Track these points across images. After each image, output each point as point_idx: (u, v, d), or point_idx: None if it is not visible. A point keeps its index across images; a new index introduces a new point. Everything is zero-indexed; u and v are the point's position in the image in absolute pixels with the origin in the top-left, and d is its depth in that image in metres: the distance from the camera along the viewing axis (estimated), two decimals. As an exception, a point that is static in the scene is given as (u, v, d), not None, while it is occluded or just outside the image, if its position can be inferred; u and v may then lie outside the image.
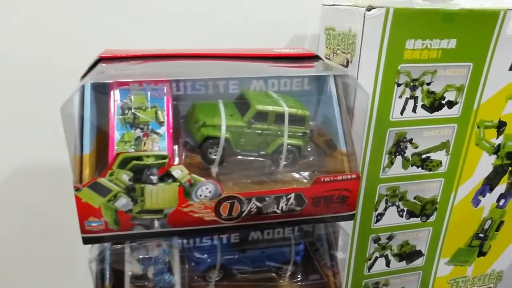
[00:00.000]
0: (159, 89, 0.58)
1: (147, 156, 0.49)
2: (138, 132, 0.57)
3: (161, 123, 0.57)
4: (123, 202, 0.50)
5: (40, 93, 0.72)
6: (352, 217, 0.59)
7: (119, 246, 0.56)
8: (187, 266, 0.63)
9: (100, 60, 0.56)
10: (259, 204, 0.53)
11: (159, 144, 0.55)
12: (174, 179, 0.50)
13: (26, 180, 0.78)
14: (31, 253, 0.84)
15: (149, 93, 0.57)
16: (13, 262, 0.84)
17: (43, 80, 0.72)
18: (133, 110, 0.57)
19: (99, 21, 0.70)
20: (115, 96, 0.56)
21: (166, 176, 0.50)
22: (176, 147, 0.57)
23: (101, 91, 0.55)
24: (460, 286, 0.83)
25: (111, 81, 0.51)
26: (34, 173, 0.77)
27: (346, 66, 0.62)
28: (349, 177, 0.55)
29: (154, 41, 0.68)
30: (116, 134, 0.55)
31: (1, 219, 0.80)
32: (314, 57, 0.60)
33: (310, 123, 0.59)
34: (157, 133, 0.57)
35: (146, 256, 0.64)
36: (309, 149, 0.61)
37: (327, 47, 0.69)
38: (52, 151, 0.72)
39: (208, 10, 0.72)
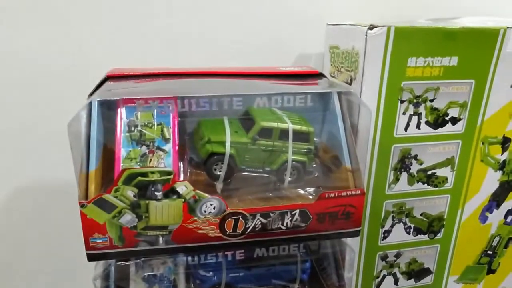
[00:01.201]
0: (165, 107, 0.59)
1: (152, 172, 0.50)
2: (144, 149, 0.57)
3: (167, 140, 0.58)
4: (127, 218, 0.50)
5: (47, 112, 0.74)
6: (357, 234, 0.58)
7: (124, 263, 0.56)
8: (192, 284, 0.62)
9: (107, 78, 0.57)
10: (263, 220, 0.53)
11: (164, 161, 0.56)
12: (179, 195, 0.50)
13: (30, 197, 0.78)
14: (34, 271, 0.84)
15: (155, 110, 0.58)
16: (15, 278, 0.84)
17: (50, 99, 0.73)
18: (139, 128, 0.58)
19: (105, 40, 0.72)
20: (122, 114, 0.57)
21: (170, 192, 0.50)
22: (181, 164, 0.57)
23: (108, 108, 0.56)
24: (470, 306, 0.82)
25: (118, 98, 0.52)
26: (38, 190, 0.78)
27: (350, 83, 0.63)
28: (353, 193, 0.55)
29: (160, 61, 0.70)
30: (122, 151, 0.56)
31: (5, 236, 0.81)
32: (319, 75, 0.61)
33: (315, 139, 0.60)
34: (163, 150, 0.57)
35: (151, 274, 0.64)
36: (314, 165, 0.61)
37: (331, 65, 0.70)
38: (59, 170, 0.73)
39: (212, 29, 0.74)
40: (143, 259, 0.57)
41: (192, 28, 0.73)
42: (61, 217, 0.79)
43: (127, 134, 0.57)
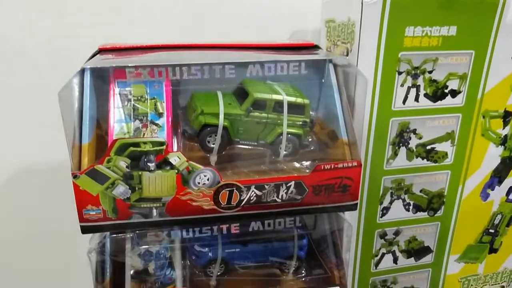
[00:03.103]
0: (159, 81, 0.59)
1: (144, 143, 0.49)
2: (137, 123, 0.57)
3: (160, 115, 0.57)
4: (121, 190, 0.49)
5: (38, 93, 0.73)
6: (355, 207, 0.58)
7: (119, 235, 0.56)
8: (188, 261, 0.62)
9: (98, 52, 0.56)
10: (258, 193, 0.52)
11: (158, 135, 0.55)
12: (172, 167, 0.50)
13: (25, 178, 0.78)
14: (31, 251, 0.84)
15: (148, 84, 0.58)
16: (13, 259, 0.84)
17: (42, 79, 0.73)
18: (132, 102, 0.57)
19: (96, 20, 0.71)
20: (115, 88, 0.56)
21: (163, 163, 0.49)
22: (175, 138, 0.57)
23: (101, 82, 0.55)
24: (472, 285, 0.81)
25: (109, 66, 0.51)
26: (34, 171, 0.78)
27: (346, 55, 0.62)
28: (350, 164, 0.54)
29: (153, 38, 0.69)
30: (115, 126, 0.55)
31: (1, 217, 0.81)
32: (314, 47, 0.60)
33: (310, 113, 0.59)
34: (156, 124, 0.57)
35: (147, 251, 0.64)
36: (309, 139, 0.61)
37: (327, 39, 0.69)
38: (53, 150, 0.73)
39: (207, 5, 0.73)
40: (138, 233, 0.57)
41: (185, 4, 0.72)
42: (56, 199, 0.79)
43: (120, 108, 0.56)
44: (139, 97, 0.57)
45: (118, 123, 0.55)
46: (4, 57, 0.72)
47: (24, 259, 0.84)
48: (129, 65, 0.51)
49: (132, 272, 0.61)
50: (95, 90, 0.55)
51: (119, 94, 0.57)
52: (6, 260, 0.83)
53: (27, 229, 0.82)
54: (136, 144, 0.49)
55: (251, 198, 0.52)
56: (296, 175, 0.53)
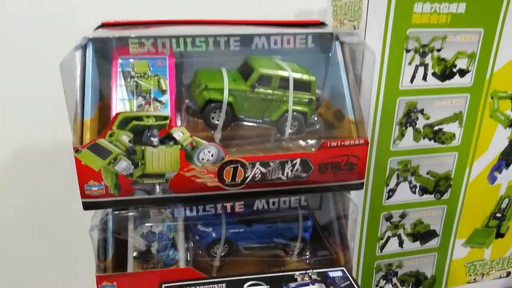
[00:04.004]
0: (162, 58, 0.58)
1: (148, 117, 0.48)
2: (140, 100, 0.56)
3: (163, 92, 0.56)
4: (123, 165, 0.49)
5: (39, 75, 0.72)
6: (361, 186, 0.57)
7: (121, 213, 0.55)
8: (191, 242, 0.61)
9: (102, 26, 0.55)
10: (263, 170, 0.51)
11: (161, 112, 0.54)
12: (175, 142, 0.49)
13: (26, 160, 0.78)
14: (33, 229, 0.83)
15: (151, 61, 0.57)
16: (13, 238, 0.83)
17: (45, 56, 0.72)
18: (135, 78, 0.56)
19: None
20: (118, 65, 0.55)
21: (167, 138, 0.49)
22: (178, 116, 0.56)
23: (103, 59, 0.54)
24: (478, 270, 0.80)
25: (113, 36, 0.50)
26: (37, 149, 0.77)
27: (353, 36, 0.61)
28: (356, 142, 0.53)
29: (153, 13, 0.68)
30: (118, 102, 0.55)
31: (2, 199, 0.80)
32: (320, 24, 0.59)
33: (317, 91, 0.58)
34: (160, 101, 0.56)
35: (150, 231, 0.63)
36: (315, 118, 0.60)
37: (334, 19, 0.68)
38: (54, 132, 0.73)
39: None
40: (141, 211, 0.56)
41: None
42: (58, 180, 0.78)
43: (123, 85, 0.55)
44: (142, 74, 0.56)
45: (121, 100, 0.54)
46: (8, 35, 0.71)
47: (26, 238, 0.84)
48: (132, 36, 0.50)
49: (134, 252, 0.60)
50: (97, 67, 0.54)
51: (122, 71, 0.56)
52: (6, 240, 0.83)
53: (27, 208, 0.81)
54: (139, 118, 0.48)
55: (256, 175, 0.52)
56: (301, 152, 0.52)
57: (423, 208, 0.70)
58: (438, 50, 0.60)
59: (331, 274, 0.57)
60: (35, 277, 0.85)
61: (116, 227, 0.55)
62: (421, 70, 0.60)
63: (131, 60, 0.56)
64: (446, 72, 0.61)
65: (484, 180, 0.72)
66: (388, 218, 0.70)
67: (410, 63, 0.60)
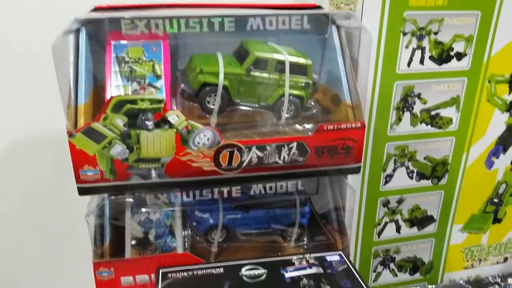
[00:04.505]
0: (157, 44, 0.57)
1: (142, 100, 0.47)
2: (135, 86, 0.55)
3: (158, 77, 0.56)
4: (118, 149, 0.48)
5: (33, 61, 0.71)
6: (358, 170, 0.56)
7: (118, 199, 0.54)
8: (189, 229, 0.61)
9: (95, 10, 0.54)
10: (259, 154, 0.51)
11: (156, 98, 0.54)
12: (171, 125, 0.48)
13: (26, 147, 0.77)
14: (30, 216, 0.83)
15: (146, 47, 0.56)
16: (11, 224, 0.83)
17: (39, 41, 0.71)
18: (129, 64, 0.56)
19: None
20: (111, 50, 0.55)
21: (162, 122, 0.48)
22: (174, 101, 0.55)
23: (97, 44, 0.54)
24: (475, 255, 0.80)
25: (103, 18, 0.49)
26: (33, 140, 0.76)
27: (349, 18, 0.60)
28: (353, 125, 0.53)
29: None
30: (112, 88, 0.54)
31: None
32: (316, 7, 0.58)
33: (313, 76, 0.57)
34: (155, 87, 0.55)
35: (147, 219, 0.63)
36: (312, 103, 0.59)
37: (330, 4, 0.67)
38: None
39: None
40: (137, 197, 0.55)
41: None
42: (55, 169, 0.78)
43: (117, 70, 0.55)
44: (137, 59, 0.56)
45: (115, 85, 0.54)
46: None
47: (23, 225, 0.83)
48: (125, 17, 0.49)
49: (132, 240, 0.60)
50: (91, 51, 0.54)
51: (116, 56, 0.55)
52: (3, 227, 0.83)
53: (26, 195, 0.81)
54: (134, 102, 0.47)
55: (252, 159, 0.51)
56: (298, 136, 0.52)
57: (421, 194, 0.71)
58: (435, 33, 0.59)
59: (329, 258, 0.57)
60: (32, 264, 0.85)
61: (113, 212, 0.55)
62: (418, 53, 0.60)
63: (125, 44, 0.55)
64: (443, 55, 0.61)
65: (482, 165, 0.72)
66: (385, 204, 0.70)
67: (407, 47, 0.59)
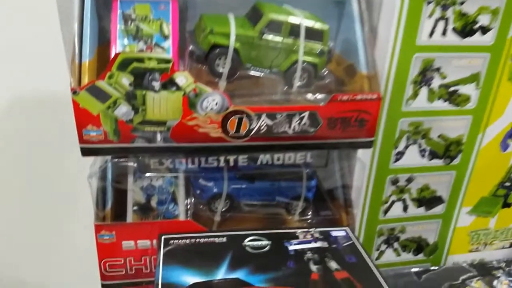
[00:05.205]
0: (165, 2, 0.54)
1: (149, 59, 0.45)
2: (141, 45, 0.53)
3: (165, 37, 0.53)
4: (123, 110, 0.46)
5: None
6: (370, 145, 0.55)
7: (121, 162, 0.53)
8: (192, 197, 0.60)
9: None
10: (269, 122, 0.49)
11: (163, 59, 0.51)
12: (178, 87, 0.46)
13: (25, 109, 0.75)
14: (31, 177, 0.83)
15: (153, 5, 0.53)
16: (11, 186, 0.83)
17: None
18: (136, 22, 0.53)
19: None
20: (117, 6, 0.52)
21: (169, 84, 0.46)
22: (181, 64, 0.53)
23: (104, 5, 0.51)
24: (481, 239, 0.79)
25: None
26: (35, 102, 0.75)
27: (370, -16, 0.57)
28: (369, 97, 0.51)
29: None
30: (118, 46, 0.52)
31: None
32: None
33: (329, 43, 0.54)
34: (162, 48, 0.53)
35: (150, 185, 0.62)
36: (326, 72, 0.57)
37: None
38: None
39: None
40: (141, 160, 0.54)
41: None
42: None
43: (123, 27, 0.52)
44: (144, 17, 0.53)
45: (121, 44, 0.52)
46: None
47: (24, 186, 0.83)
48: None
49: (133, 205, 0.59)
50: (96, 7, 0.51)
51: (122, 12, 0.52)
52: (4, 189, 0.82)
53: (26, 155, 0.80)
54: (141, 60, 0.45)
55: (261, 127, 0.49)
56: (310, 105, 0.50)
57: (431, 173, 0.68)
58: (461, 4, 0.56)
59: (334, 234, 0.55)
60: (33, 225, 0.85)
61: (116, 176, 0.54)
62: (441, 24, 0.57)
63: (132, 1, 0.53)
64: (466, 28, 0.58)
65: (496, 146, 0.69)
66: (394, 182, 0.68)
67: (430, 16, 0.56)
